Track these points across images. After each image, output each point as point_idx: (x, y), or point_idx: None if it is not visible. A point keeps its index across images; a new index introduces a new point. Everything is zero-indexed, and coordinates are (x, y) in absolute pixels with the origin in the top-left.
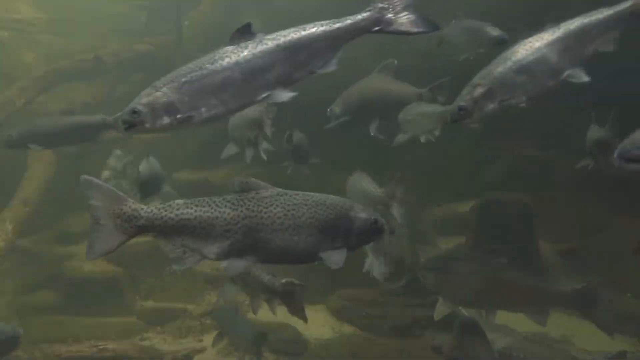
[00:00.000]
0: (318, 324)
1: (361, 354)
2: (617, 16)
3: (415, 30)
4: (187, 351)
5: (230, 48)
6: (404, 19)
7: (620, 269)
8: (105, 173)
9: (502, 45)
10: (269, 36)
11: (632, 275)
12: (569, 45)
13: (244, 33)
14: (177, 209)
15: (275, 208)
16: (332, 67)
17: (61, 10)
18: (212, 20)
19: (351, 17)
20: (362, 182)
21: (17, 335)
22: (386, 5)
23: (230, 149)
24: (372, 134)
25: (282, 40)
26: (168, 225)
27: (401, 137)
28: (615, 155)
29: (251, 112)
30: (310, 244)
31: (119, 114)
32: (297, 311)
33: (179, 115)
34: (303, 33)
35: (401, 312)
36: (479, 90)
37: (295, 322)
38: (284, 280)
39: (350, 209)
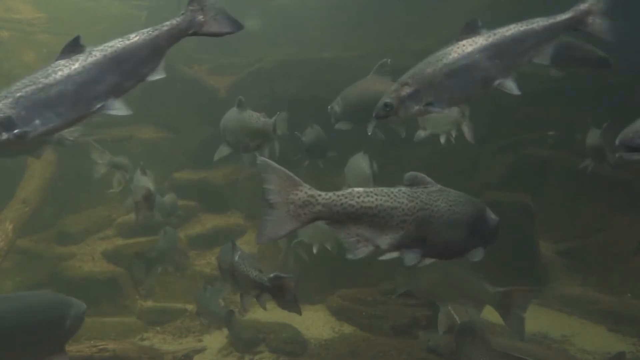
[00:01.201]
0: (318, 324)
1: (361, 354)
2: (553, 27)
3: (223, 30)
4: (187, 351)
5: (62, 62)
6: (212, 21)
7: (620, 269)
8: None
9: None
10: (97, 48)
11: (632, 275)
12: (502, 53)
13: (74, 46)
14: (358, 197)
15: (441, 203)
16: (159, 74)
17: (61, 10)
18: None
19: (168, 23)
20: (362, 163)
21: (84, 309)
22: (196, 8)
23: (223, 151)
24: (369, 134)
25: (108, 51)
26: (347, 212)
27: (421, 133)
28: (617, 143)
29: (254, 121)
30: (465, 240)
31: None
32: (289, 305)
33: (16, 131)
34: (127, 42)
35: (401, 312)
36: (406, 90)
37: (295, 322)
38: (272, 275)
39: (485, 210)
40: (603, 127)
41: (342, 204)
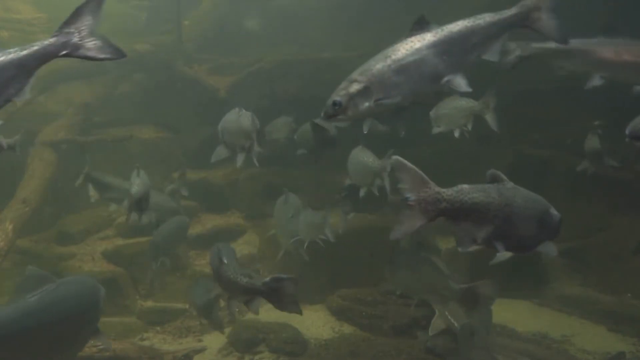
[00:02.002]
0: (318, 324)
1: (361, 354)
2: (499, 23)
3: (101, 56)
4: (187, 351)
5: None
6: (91, 44)
7: (620, 269)
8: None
9: None
10: None
11: (632, 275)
12: (450, 49)
13: None
14: (469, 193)
15: (517, 199)
16: (24, 95)
17: (61, 10)
18: (212, 20)
19: (39, 43)
20: (363, 156)
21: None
22: (72, 30)
23: (220, 153)
24: (364, 132)
25: None
26: (463, 208)
27: (436, 131)
28: (626, 133)
29: (245, 122)
30: (536, 234)
31: (16, 137)
32: (289, 306)
33: None
34: None
35: (401, 312)
36: (355, 87)
37: (295, 322)
38: (268, 278)
39: (550, 206)
40: (598, 132)
41: (459, 201)
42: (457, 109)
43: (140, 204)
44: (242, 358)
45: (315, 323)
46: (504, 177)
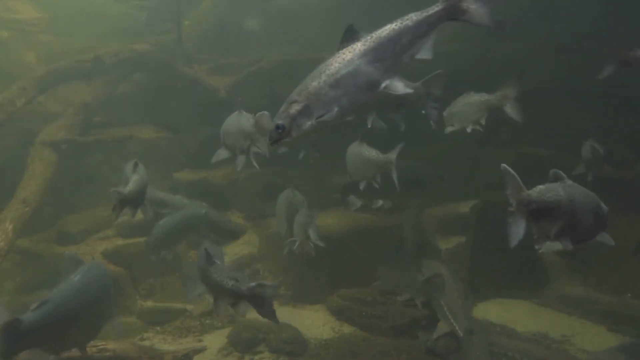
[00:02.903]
0: (318, 324)
1: (361, 354)
2: (427, 21)
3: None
4: (187, 351)
5: None
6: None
7: (620, 269)
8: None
9: None
10: None
11: (632, 275)
12: (382, 55)
13: None
14: (546, 193)
15: (577, 195)
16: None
17: (61, 10)
18: (212, 20)
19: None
20: (364, 150)
21: None
22: None
23: (220, 154)
24: (369, 126)
25: None
26: (545, 207)
27: (449, 130)
28: None
29: (246, 124)
30: (595, 226)
31: None
32: (267, 314)
33: None
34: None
35: (401, 312)
36: (296, 107)
37: (295, 322)
38: (253, 284)
39: (599, 200)
40: (592, 144)
41: (543, 201)
42: (470, 105)
43: (135, 201)
44: (242, 358)
45: (315, 323)
46: (564, 175)
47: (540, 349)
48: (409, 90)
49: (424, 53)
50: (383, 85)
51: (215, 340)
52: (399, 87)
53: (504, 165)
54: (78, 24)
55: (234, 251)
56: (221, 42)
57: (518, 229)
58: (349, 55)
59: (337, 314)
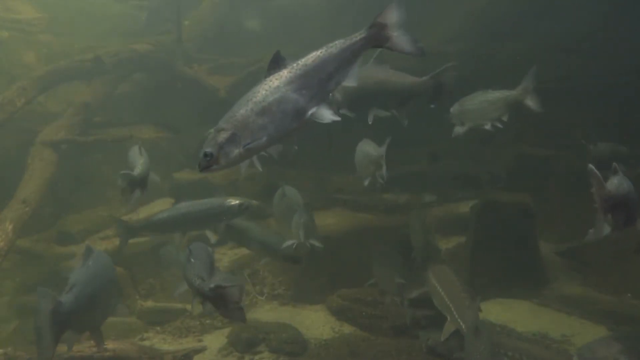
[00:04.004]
0: (318, 324)
1: (361, 354)
2: (352, 48)
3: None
4: (187, 351)
5: None
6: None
7: (620, 269)
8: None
9: None
10: None
11: (632, 275)
12: (308, 82)
13: None
14: (618, 187)
15: (629, 185)
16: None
17: (61, 10)
18: (212, 20)
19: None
20: (366, 146)
21: None
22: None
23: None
24: (369, 122)
25: None
26: (618, 200)
27: (459, 129)
28: None
29: None
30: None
31: None
32: (234, 314)
33: None
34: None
35: (401, 312)
36: (223, 135)
37: (295, 322)
38: (212, 285)
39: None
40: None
41: (617, 194)
42: (489, 102)
43: (143, 182)
44: (242, 358)
45: (315, 323)
46: (620, 168)
47: (540, 349)
48: (336, 118)
49: (350, 80)
50: (309, 112)
51: (215, 340)
52: (326, 115)
53: (590, 165)
54: (78, 24)
55: (234, 251)
56: (221, 42)
57: (604, 223)
58: (276, 82)
59: (337, 314)
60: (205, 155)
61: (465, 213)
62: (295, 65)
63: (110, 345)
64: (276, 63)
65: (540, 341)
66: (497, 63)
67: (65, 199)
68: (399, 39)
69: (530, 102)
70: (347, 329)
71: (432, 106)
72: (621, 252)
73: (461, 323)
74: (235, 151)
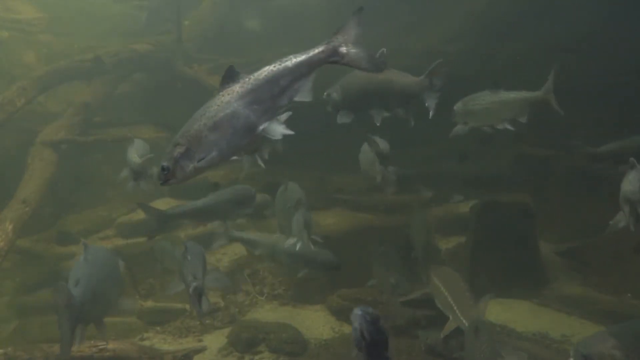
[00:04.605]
0: (318, 324)
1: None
2: (306, 63)
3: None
4: (187, 351)
5: None
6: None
7: (620, 269)
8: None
9: None
10: None
11: (632, 275)
12: (260, 97)
13: None
14: None
15: None
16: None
17: (61, 10)
18: (212, 20)
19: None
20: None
21: None
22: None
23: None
24: (377, 124)
25: None
26: None
27: (460, 129)
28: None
29: None
30: None
31: None
32: (201, 315)
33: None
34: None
35: (401, 312)
36: (179, 150)
37: (295, 322)
38: (191, 288)
39: None
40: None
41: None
42: (502, 102)
43: (146, 170)
44: (242, 358)
45: (315, 323)
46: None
47: (540, 348)
48: (288, 132)
49: (303, 95)
50: (260, 128)
51: (215, 340)
52: (277, 130)
53: (632, 159)
54: (78, 24)
55: (234, 251)
56: (221, 42)
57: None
58: (227, 97)
59: (337, 314)
60: (163, 169)
61: (465, 213)
62: (247, 79)
63: (110, 345)
64: (230, 77)
65: (540, 341)
66: (498, 63)
67: (65, 199)
68: (356, 55)
69: (553, 104)
70: (347, 329)
71: (427, 104)
72: (621, 252)
73: (464, 321)
74: (190, 165)
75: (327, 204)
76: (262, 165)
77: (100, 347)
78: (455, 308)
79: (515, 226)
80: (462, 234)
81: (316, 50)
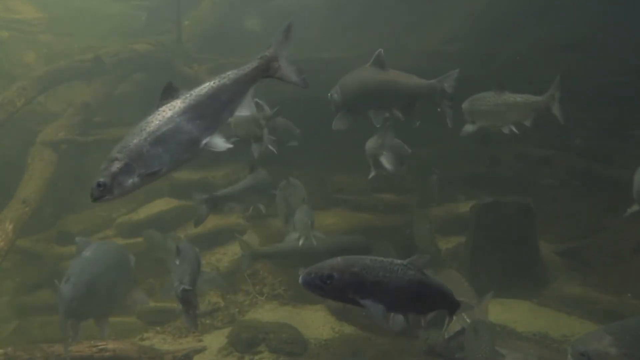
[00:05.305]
0: (318, 324)
1: (361, 354)
2: (243, 79)
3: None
4: (187, 351)
5: None
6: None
7: (620, 269)
8: None
9: None
10: None
11: (632, 275)
12: (201, 112)
13: None
14: None
15: None
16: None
17: (61, 10)
18: (212, 20)
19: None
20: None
21: None
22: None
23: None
24: (377, 125)
25: None
26: None
27: (469, 127)
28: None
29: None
30: None
31: None
32: (190, 322)
33: None
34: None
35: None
36: (117, 165)
37: (295, 322)
38: (179, 291)
39: None
40: None
41: None
42: (508, 105)
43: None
44: (242, 358)
45: (315, 323)
46: None
47: (540, 348)
48: (229, 146)
49: (243, 109)
50: (204, 142)
51: (215, 340)
52: (219, 144)
53: None
54: (78, 24)
55: (234, 251)
56: (221, 42)
57: None
58: (169, 112)
59: (337, 314)
60: (99, 185)
61: (465, 213)
62: (188, 95)
63: (110, 345)
64: (168, 93)
65: (540, 341)
66: (498, 62)
67: (65, 199)
68: (287, 69)
69: (555, 111)
70: (347, 329)
71: (439, 110)
72: (621, 252)
73: (468, 321)
74: (129, 181)
75: (327, 204)
76: (275, 151)
77: (100, 347)
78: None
79: (515, 226)
80: (462, 234)
81: (251, 66)
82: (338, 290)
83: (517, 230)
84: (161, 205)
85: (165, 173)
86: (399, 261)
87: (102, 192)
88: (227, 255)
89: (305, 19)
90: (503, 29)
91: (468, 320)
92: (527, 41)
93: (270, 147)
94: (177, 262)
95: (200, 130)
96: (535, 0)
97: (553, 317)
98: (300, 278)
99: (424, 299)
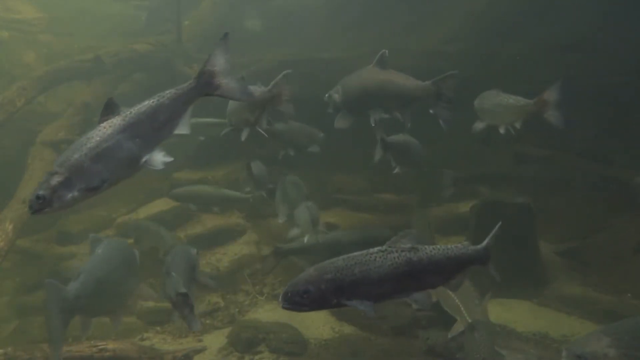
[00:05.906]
0: (318, 324)
1: (361, 354)
2: (182, 98)
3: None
4: (187, 351)
5: None
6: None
7: (620, 269)
8: None
9: None
10: None
11: (632, 275)
12: (140, 131)
13: None
14: None
15: None
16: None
17: (61, 10)
18: (212, 20)
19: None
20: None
21: None
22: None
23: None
24: (373, 125)
25: None
26: None
27: (479, 125)
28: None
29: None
30: None
31: None
32: (191, 323)
33: None
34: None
35: (401, 312)
36: (57, 179)
37: (295, 322)
38: (173, 295)
39: None
40: None
41: None
42: (502, 107)
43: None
44: (242, 358)
45: (315, 323)
46: None
47: (540, 349)
48: (169, 159)
49: (181, 128)
50: (143, 159)
51: (215, 340)
52: (158, 161)
53: None
54: (78, 24)
55: (234, 251)
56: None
57: None
58: (110, 129)
59: (337, 314)
60: (38, 198)
61: (465, 213)
62: (128, 113)
63: (110, 345)
64: (109, 110)
65: (540, 341)
66: (498, 63)
67: None
68: (229, 86)
69: (550, 117)
70: (347, 329)
71: (431, 111)
72: (621, 252)
73: (470, 321)
74: (69, 195)
75: (327, 204)
76: (266, 135)
77: (100, 347)
78: (463, 310)
79: (515, 226)
80: (462, 234)
81: (189, 87)
82: (319, 300)
83: (517, 230)
84: (161, 205)
85: (106, 188)
86: (375, 249)
87: (41, 205)
88: (227, 255)
89: (305, 19)
90: (503, 29)
91: (470, 320)
92: (527, 41)
93: (262, 132)
94: (170, 263)
95: (140, 148)
96: (535, 0)
97: (553, 317)
98: (280, 302)
99: (419, 276)
